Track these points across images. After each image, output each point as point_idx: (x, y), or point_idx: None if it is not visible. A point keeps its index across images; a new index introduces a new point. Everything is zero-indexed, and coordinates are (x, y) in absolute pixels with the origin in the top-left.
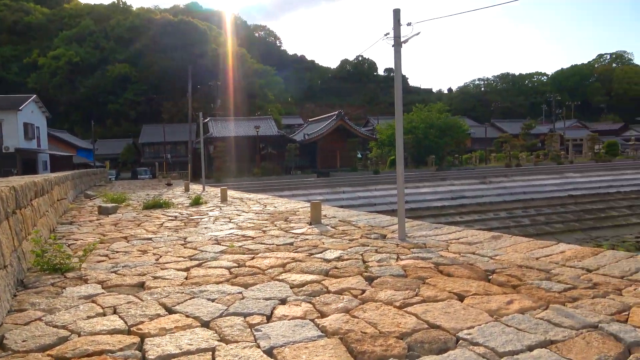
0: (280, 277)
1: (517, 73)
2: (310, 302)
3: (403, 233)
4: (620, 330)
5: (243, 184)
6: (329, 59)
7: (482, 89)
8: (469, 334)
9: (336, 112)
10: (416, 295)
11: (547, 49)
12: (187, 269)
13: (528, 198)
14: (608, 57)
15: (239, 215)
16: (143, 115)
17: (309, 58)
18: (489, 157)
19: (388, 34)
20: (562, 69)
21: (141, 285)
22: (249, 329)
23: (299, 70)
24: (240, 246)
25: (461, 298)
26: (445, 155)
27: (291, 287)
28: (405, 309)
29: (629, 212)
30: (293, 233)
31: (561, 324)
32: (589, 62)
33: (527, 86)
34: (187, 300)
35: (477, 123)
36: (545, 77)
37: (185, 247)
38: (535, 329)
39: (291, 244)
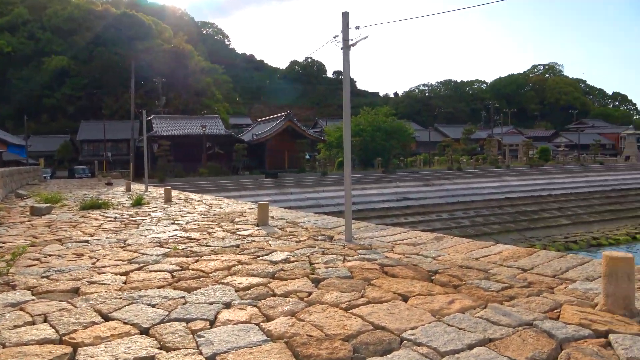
0: (225, 280)
1: (458, 80)
2: (255, 306)
3: (350, 234)
4: (553, 327)
5: (188, 185)
6: (279, 59)
7: (427, 94)
8: (413, 334)
9: (285, 113)
10: (362, 296)
11: (487, 57)
12: (126, 273)
13: (468, 200)
14: (541, 67)
15: (184, 216)
16: (82, 110)
17: (258, 57)
18: (432, 160)
19: (337, 36)
20: (500, 77)
21: (75, 291)
22: (191, 335)
23: (247, 69)
24: (184, 248)
25: (405, 299)
26: (392, 157)
27: (236, 291)
28: (351, 311)
29: (559, 214)
30: (239, 235)
31: (499, 322)
32: (524, 71)
33: (468, 93)
34: (125, 306)
35: (422, 127)
36: (484, 85)
37: (125, 250)
38: (475, 328)
39: (237, 246)
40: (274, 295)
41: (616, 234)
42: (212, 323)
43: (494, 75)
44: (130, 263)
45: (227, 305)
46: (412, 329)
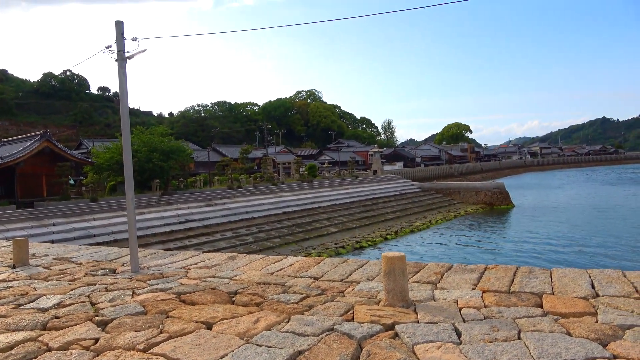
0: None
1: (233, 102)
2: None
3: (136, 264)
4: (351, 328)
5: None
6: (28, 71)
7: (202, 114)
8: None
9: (40, 132)
10: (161, 332)
11: (258, 82)
12: None
13: (250, 217)
14: (304, 93)
15: None
16: None
17: None
18: (213, 180)
19: (110, 46)
20: (270, 100)
21: None
22: None
23: None
24: None
25: (210, 326)
26: (170, 179)
27: None
28: (151, 351)
29: (328, 224)
30: None
31: (304, 333)
32: (290, 96)
33: (242, 114)
34: None
35: (199, 147)
36: (256, 107)
37: None
38: (284, 343)
39: None
40: (49, 350)
41: (373, 237)
42: None
43: (264, 99)
44: None
45: None
46: (222, 357)
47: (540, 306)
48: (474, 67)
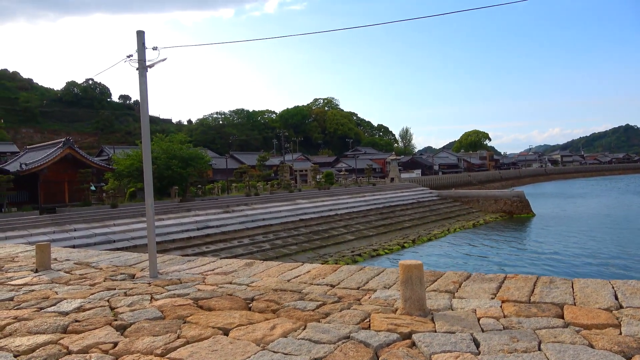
0: None
1: (250, 109)
2: None
3: (155, 270)
4: (367, 336)
5: None
6: (53, 79)
7: (220, 122)
8: None
9: (63, 139)
10: (179, 337)
11: (275, 90)
12: None
13: (267, 224)
14: (321, 101)
15: None
16: None
17: (24, 75)
18: (230, 187)
19: (131, 55)
20: (287, 108)
21: None
22: None
23: (10, 88)
24: None
25: (226, 332)
26: (189, 186)
27: (16, 356)
28: (168, 356)
29: (345, 231)
30: (12, 285)
31: (320, 341)
32: (307, 104)
33: (260, 122)
34: None
35: (218, 155)
36: (274, 115)
37: None
38: (300, 350)
39: (11, 299)
40: (69, 353)
41: (390, 244)
42: None
43: (282, 107)
44: None
45: None
46: None
47: (562, 317)
48: (494, 73)
